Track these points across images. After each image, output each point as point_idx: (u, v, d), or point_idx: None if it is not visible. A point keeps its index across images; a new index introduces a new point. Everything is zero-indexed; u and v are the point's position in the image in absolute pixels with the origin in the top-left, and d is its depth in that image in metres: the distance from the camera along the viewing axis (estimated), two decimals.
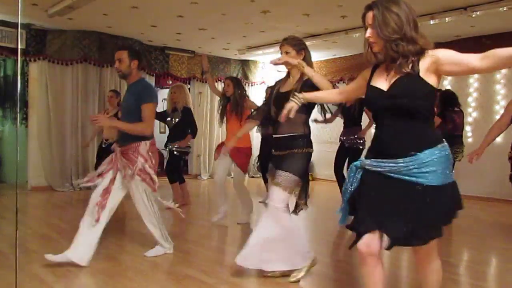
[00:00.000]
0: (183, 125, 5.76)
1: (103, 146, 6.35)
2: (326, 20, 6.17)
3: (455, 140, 5.48)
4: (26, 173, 7.04)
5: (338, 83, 8.79)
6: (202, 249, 3.91)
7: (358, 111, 5.47)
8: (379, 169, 1.91)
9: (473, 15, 5.40)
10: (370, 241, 1.91)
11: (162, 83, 9.32)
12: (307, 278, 3.14)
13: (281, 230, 2.93)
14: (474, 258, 4.01)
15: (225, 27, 6.65)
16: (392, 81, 1.88)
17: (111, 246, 3.86)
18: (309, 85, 2.81)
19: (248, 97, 5.01)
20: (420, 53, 1.85)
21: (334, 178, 5.64)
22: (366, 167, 1.97)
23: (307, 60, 2.97)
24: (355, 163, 2.05)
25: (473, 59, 1.75)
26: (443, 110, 5.51)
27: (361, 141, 5.48)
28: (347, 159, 5.54)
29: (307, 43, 7.73)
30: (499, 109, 6.76)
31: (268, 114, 3.10)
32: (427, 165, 1.83)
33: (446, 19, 5.56)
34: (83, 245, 3.26)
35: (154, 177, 3.45)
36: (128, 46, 3.65)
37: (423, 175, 1.83)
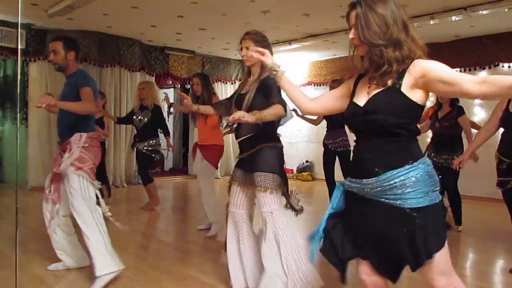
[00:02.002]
0: (154, 124, 5.53)
1: None
2: (326, 20, 6.17)
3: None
4: (26, 173, 7.04)
5: (334, 79, 8.79)
6: (202, 249, 3.91)
7: (342, 115, 5.31)
8: (350, 189, 1.74)
9: (473, 15, 5.40)
10: (368, 269, 1.74)
11: (162, 83, 9.31)
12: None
13: (285, 234, 2.65)
14: (475, 259, 4.00)
15: (225, 27, 6.65)
16: (370, 96, 1.67)
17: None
18: (265, 84, 2.62)
19: (215, 94, 4.79)
20: (407, 59, 1.64)
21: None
22: (348, 189, 1.78)
23: None
24: (342, 181, 1.84)
25: (468, 82, 1.51)
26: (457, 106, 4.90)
27: (347, 143, 5.45)
28: (339, 163, 5.54)
29: (307, 43, 7.73)
30: None
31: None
32: (402, 185, 1.60)
33: (446, 19, 5.56)
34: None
35: (94, 168, 3.15)
36: (63, 37, 3.35)
37: (396, 196, 1.61)
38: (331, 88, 5.74)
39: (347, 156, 5.46)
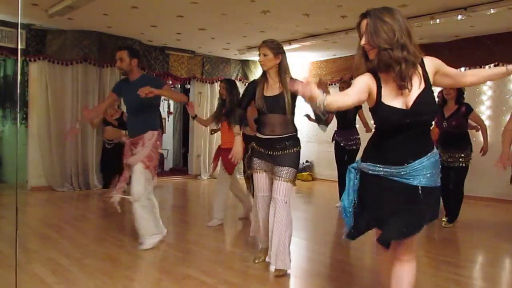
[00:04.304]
0: None
1: (107, 147, 6.52)
2: (326, 20, 6.17)
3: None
4: (26, 173, 7.04)
5: (337, 83, 8.80)
6: (202, 249, 3.91)
7: (354, 114, 5.72)
8: (375, 173, 2.01)
9: (473, 15, 5.40)
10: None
11: None
12: (308, 278, 3.15)
13: (289, 222, 3.18)
14: (476, 258, 4.00)
15: (225, 27, 6.65)
16: (414, 97, 1.90)
17: (111, 246, 3.86)
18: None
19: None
20: (414, 61, 1.88)
21: (333, 178, 5.73)
22: (363, 169, 2.06)
23: (284, 64, 3.13)
24: (352, 165, 2.13)
25: (462, 76, 2.04)
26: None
27: (359, 142, 5.78)
28: (347, 160, 5.77)
29: (307, 43, 7.76)
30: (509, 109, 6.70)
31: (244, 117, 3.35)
32: (418, 170, 1.94)
33: (446, 19, 5.56)
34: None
35: (156, 163, 3.77)
36: (128, 46, 4.03)
37: (415, 178, 1.95)
38: (341, 88, 5.84)
39: (354, 155, 5.72)
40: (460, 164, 4.75)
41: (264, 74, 3.20)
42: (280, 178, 3.11)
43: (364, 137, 7.82)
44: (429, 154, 1.97)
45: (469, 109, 4.72)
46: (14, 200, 5.16)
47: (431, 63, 1.96)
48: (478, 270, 3.66)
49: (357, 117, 5.81)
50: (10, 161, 7.72)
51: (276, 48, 3.10)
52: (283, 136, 3.13)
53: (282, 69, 3.12)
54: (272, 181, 3.21)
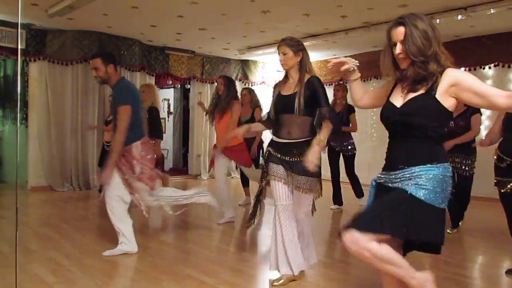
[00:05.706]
0: (153, 125, 5.65)
1: (106, 149, 6.51)
2: (326, 20, 6.17)
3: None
4: (26, 173, 7.04)
5: (338, 83, 8.78)
6: (202, 249, 3.91)
7: (346, 118, 5.63)
8: (381, 181, 2.00)
9: (473, 15, 5.40)
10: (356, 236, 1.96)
11: (162, 83, 9.32)
12: (307, 278, 3.14)
13: (308, 230, 3.10)
14: (476, 259, 4.00)
15: (225, 27, 6.65)
16: (407, 99, 1.88)
17: (111, 246, 3.85)
18: (311, 86, 2.86)
19: (237, 98, 4.91)
20: (440, 70, 1.81)
21: (330, 178, 5.73)
22: (378, 180, 2.05)
23: (305, 61, 2.93)
24: (373, 178, 2.08)
25: (497, 96, 1.69)
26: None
27: (353, 147, 5.74)
28: (344, 165, 5.78)
29: (307, 43, 7.75)
30: None
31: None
32: (419, 177, 1.82)
33: (447, 19, 5.56)
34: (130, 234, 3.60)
35: (153, 173, 3.56)
36: (100, 53, 3.79)
37: (414, 186, 1.81)
38: (335, 91, 5.77)
39: (352, 160, 5.66)
40: (464, 173, 4.63)
41: (286, 74, 3.02)
42: (299, 189, 2.91)
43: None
44: (434, 164, 1.83)
45: (475, 110, 4.55)
46: (14, 200, 5.16)
47: (450, 74, 1.80)
48: (478, 270, 3.66)
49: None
50: (10, 161, 7.72)
51: (295, 46, 2.89)
52: (301, 140, 2.90)
53: (303, 67, 2.92)
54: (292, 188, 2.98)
